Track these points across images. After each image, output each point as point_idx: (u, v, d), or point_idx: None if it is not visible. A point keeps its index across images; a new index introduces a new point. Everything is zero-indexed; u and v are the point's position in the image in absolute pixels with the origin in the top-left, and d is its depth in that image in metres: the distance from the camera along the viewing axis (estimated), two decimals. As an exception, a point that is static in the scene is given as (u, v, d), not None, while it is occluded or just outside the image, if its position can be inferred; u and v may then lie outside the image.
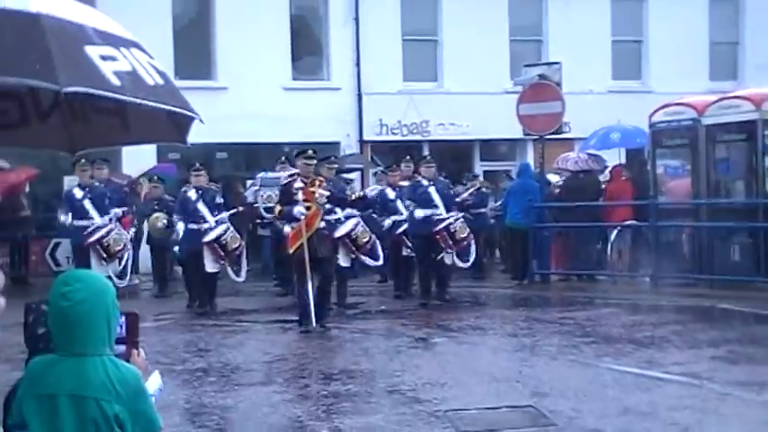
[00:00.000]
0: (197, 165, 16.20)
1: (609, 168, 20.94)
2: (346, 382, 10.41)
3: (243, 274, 16.39)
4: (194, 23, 25.51)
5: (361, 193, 14.68)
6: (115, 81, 3.82)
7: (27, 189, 20.86)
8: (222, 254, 15.40)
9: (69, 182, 18.26)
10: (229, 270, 16.00)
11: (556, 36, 27.57)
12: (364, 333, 13.92)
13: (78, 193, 15.00)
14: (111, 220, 15.54)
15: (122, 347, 3.89)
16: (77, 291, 3.56)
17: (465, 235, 16.09)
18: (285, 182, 13.92)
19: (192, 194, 15.63)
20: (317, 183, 13.11)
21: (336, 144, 25.58)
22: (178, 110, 4.21)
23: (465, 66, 26.51)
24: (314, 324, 12.86)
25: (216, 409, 9.25)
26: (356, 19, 26.28)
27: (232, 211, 17.25)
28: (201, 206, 15.50)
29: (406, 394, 9.73)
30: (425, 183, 16.37)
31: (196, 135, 4.62)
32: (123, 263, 15.65)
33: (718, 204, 17.73)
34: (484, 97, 25.16)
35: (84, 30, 3.89)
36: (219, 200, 16.42)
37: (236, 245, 15.58)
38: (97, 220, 14.87)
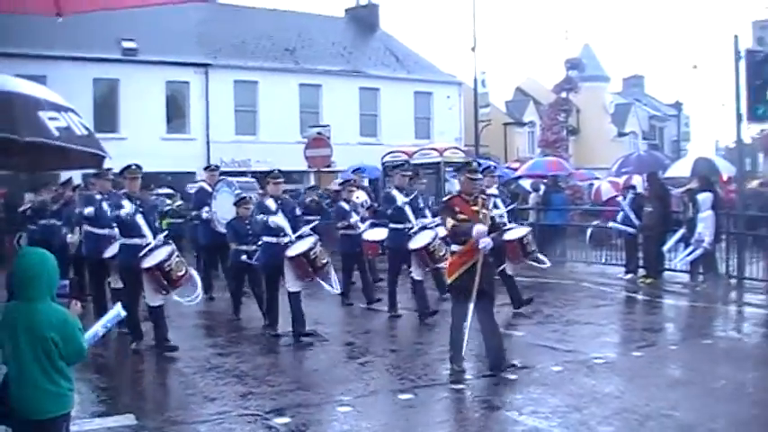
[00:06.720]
0: (276, 171, 9.10)
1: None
2: (243, 326, 10.14)
3: (336, 284, 8.69)
4: (106, 98, 24.27)
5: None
6: (56, 133, 3.80)
7: (1, 201, 18.75)
8: (311, 270, 8.27)
9: (28, 197, 13.91)
10: (323, 284, 8.53)
11: (327, 109, 27.58)
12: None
13: (128, 206, 7.85)
14: (165, 239, 8.09)
15: (66, 300, 3.78)
16: (27, 260, 3.51)
17: (535, 247, 9.95)
18: (446, 198, 7.18)
19: (271, 204, 8.66)
20: (480, 201, 6.82)
21: (193, 173, 24.83)
22: (94, 150, 4.17)
23: (273, 126, 26.39)
24: (463, 363, 6.66)
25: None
26: (206, 97, 25.84)
27: (314, 222, 10.31)
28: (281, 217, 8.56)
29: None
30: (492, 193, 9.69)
31: (107, 165, 4.53)
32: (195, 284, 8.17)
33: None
34: (284, 145, 24.89)
35: (38, 101, 3.80)
36: (299, 211, 9.48)
37: (325, 260, 8.35)
38: (150, 238, 7.86)
